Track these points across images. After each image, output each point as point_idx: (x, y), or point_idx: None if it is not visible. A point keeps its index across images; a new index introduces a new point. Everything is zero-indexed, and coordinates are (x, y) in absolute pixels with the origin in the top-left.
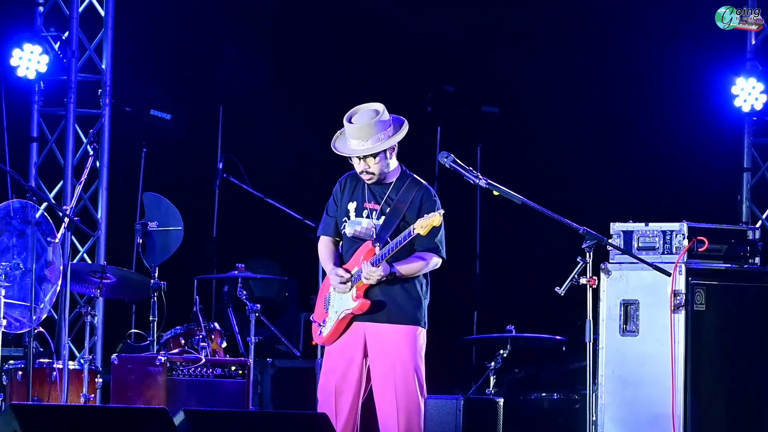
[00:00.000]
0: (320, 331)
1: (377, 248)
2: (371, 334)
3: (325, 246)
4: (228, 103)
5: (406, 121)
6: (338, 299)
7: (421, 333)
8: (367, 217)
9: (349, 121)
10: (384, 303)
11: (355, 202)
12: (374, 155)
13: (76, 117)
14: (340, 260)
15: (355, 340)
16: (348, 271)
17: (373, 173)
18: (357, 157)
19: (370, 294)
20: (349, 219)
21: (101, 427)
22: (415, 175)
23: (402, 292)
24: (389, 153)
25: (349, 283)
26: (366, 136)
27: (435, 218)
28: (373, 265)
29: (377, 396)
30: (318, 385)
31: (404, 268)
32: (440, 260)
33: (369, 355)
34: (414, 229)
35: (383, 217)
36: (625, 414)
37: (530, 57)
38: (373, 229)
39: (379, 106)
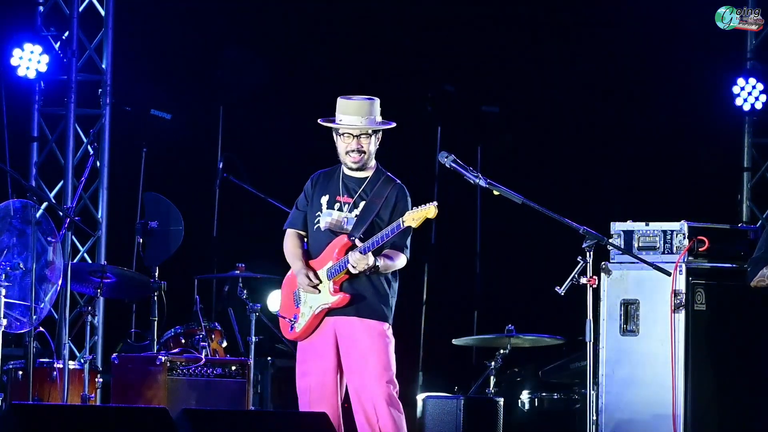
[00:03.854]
0: (292, 327)
1: (357, 242)
2: (341, 328)
3: (291, 240)
4: (228, 103)
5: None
6: (311, 294)
7: (389, 329)
8: (339, 209)
9: (346, 99)
10: (356, 297)
11: (327, 195)
12: (368, 135)
13: (76, 117)
14: (307, 255)
15: (326, 336)
16: (317, 275)
17: (364, 152)
18: (351, 134)
19: (345, 289)
20: (321, 212)
21: (101, 427)
22: (389, 173)
23: (370, 288)
24: (376, 140)
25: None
26: (365, 114)
27: (430, 210)
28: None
29: (351, 392)
30: (297, 388)
31: (385, 262)
32: (405, 260)
33: (341, 350)
34: (403, 222)
35: (356, 211)
36: (625, 414)
37: (530, 57)
38: (344, 221)
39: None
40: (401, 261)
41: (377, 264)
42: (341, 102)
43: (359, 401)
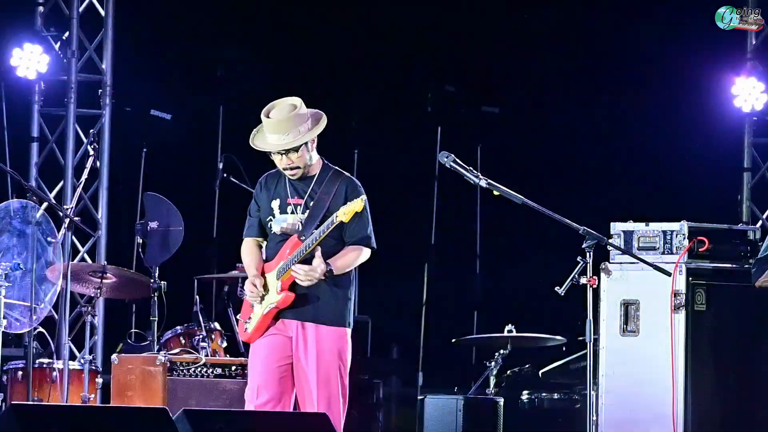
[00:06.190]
0: (245, 328)
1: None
2: (298, 334)
3: (248, 249)
4: (228, 103)
5: (324, 115)
6: (265, 295)
7: (348, 334)
8: (292, 212)
9: (267, 116)
10: (310, 301)
11: (278, 200)
12: (296, 149)
13: (76, 117)
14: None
15: (280, 337)
16: (265, 285)
17: (298, 167)
18: (279, 153)
19: (296, 289)
20: (274, 217)
21: (101, 427)
22: (336, 168)
23: (328, 291)
24: (310, 146)
25: (258, 292)
26: (285, 130)
27: (357, 204)
28: (299, 259)
29: (300, 397)
30: (256, 402)
31: (339, 263)
32: (370, 251)
33: (294, 355)
34: (336, 216)
35: (308, 212)
36: (625, 414)
37: (530, 57)
38: (299, 224)
39: (297, 100)
40: (364, 254)
41: (330, 268)
42: (264, 120)
43: (311, 400)
